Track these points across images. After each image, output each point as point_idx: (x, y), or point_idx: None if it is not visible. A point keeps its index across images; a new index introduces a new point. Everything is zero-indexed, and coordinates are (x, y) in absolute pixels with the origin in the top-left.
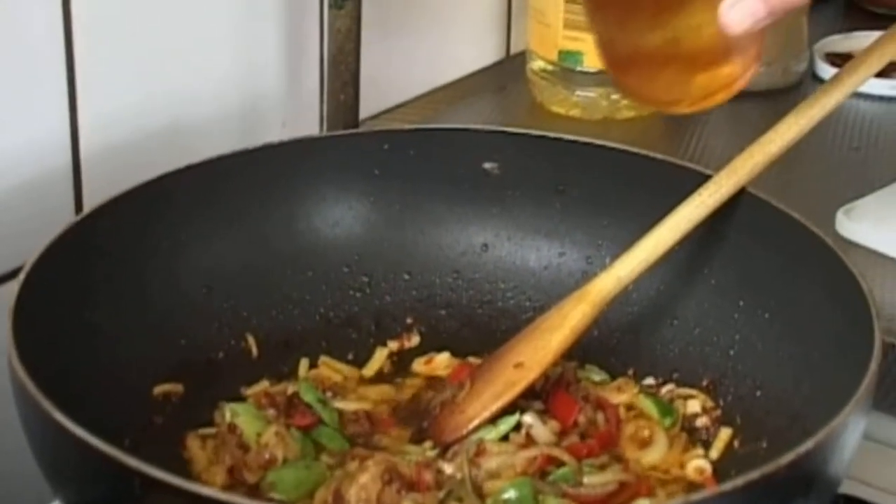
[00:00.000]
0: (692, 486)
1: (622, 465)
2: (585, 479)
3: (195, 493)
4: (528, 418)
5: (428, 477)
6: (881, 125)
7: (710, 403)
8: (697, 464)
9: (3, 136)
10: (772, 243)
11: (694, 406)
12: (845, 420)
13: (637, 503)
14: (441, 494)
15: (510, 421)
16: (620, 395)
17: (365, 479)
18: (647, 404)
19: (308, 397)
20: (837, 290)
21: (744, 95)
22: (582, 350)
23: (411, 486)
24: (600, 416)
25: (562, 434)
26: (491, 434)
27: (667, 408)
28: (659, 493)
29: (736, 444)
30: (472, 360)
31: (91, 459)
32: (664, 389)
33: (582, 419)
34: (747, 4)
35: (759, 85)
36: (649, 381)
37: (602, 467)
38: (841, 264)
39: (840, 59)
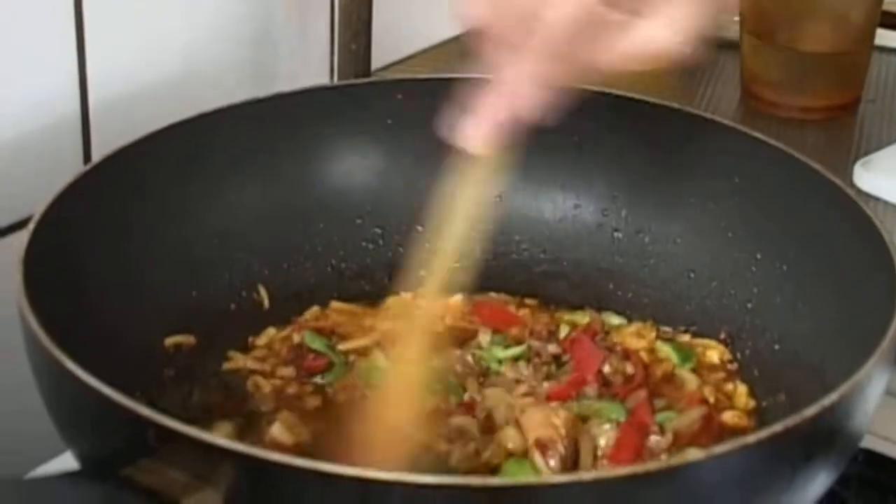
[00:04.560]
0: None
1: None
2: (673, 425)
3: (210, 444)
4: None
5: None
6: None
7: (727, 356)
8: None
9: (12, 86)
10: (791, 195)
11: (713, 356)
12: (869, 373)
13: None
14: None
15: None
16: (640, 340)
17: None
18: (666, 350)
19: (315, 345)
20: (858, 243)
21: None
22: (597, 302)
23: None
24: (628, 366)
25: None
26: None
27: (686, 353)
28: None
29: (753, 398)
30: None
31: (105, 410)
32: (682, 339)
33: (607, 369)
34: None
35: None
36: (666, 329)
37: (669, 408)
38: (862, 215)
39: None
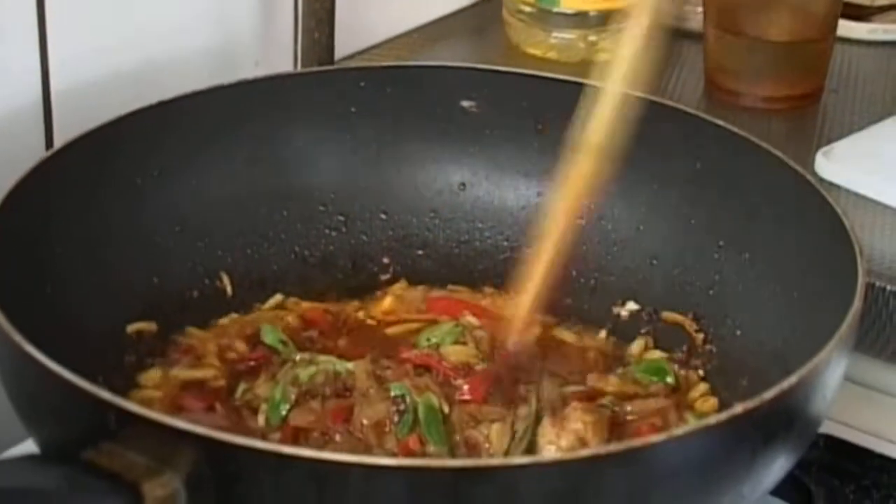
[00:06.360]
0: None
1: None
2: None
3: (170, 427)
4: None
5: None
6: (859, 68)
7: (695, 326)
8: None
9: None
10: (753, 182)
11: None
12: (828, 357)
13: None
14: None
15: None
16: None
17: None
18: None
19: (268, 339)
20: (820, 230)
21: None
22: (560, 290)
23: None
24: None
25: None
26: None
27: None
28: None
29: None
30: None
31: (65, 393)
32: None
33: None
34: None
35: None
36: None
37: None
38: (824, 203)
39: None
